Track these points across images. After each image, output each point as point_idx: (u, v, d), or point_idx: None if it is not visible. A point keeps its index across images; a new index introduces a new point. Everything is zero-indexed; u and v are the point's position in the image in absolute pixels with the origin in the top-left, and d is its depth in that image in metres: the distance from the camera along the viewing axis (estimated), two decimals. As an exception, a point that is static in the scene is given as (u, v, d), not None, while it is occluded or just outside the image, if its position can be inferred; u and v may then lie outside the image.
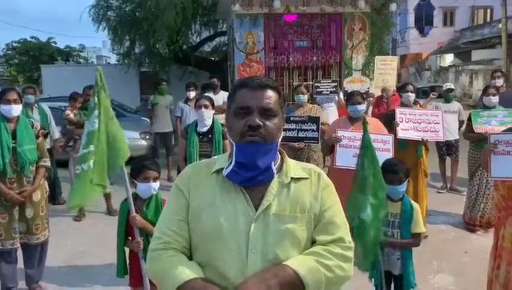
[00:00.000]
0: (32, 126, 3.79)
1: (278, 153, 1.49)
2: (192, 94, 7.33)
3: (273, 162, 1.43)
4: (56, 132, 6.80)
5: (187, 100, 7.41)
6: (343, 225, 1.47)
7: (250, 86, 1.43)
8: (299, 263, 1.34)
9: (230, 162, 1.42)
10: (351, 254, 1.43)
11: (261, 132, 1.38)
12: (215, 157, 1.58)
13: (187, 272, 1.34)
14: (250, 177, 1.39)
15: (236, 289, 1.28)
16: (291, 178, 1.45)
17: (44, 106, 6.79)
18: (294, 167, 1.49)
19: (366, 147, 2.93)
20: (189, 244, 1.44)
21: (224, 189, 1.42)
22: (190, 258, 1.44)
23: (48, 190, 4.01)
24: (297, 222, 1.40)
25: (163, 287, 1.38)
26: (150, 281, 2.71)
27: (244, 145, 1.39)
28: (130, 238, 2.87)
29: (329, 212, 1.45)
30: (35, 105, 6.53)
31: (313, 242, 1.43)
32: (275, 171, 1.43)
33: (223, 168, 1.45)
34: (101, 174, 2.66)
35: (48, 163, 3.88)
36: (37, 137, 3.78)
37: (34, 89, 6.57)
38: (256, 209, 1.39)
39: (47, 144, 6.42)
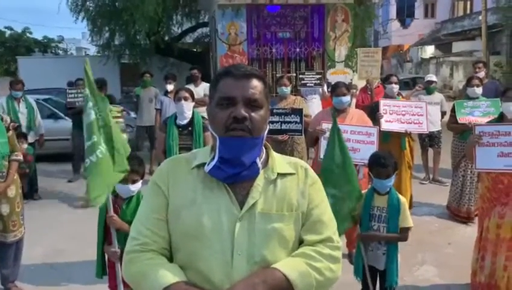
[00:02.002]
0: (2, 119, 3.62)
1: (263, 147, 1.40)
2: (170, 86, 7.19)
3: (258, 157, 1.34)
4: (41, 126, 6.67)
5: (166, 92, 7.25)
6: (331, 223, 1.40)
7: (234, 74, 1.32)
8: (289, 267, 1.26)
9: (213, 157, 1.32)
10: (339, 254, 1.36)
11: (247, 125, 1.28)
12: (195, 150, 1.48)
13: (168, 275, 1.24)
14: (235, 174, 1.30)
15: None
16: (278, 174, 1.36)
17: (31, 99, 6.68)
18: (280, 162, 1.40)
19: (333, 138, 2.95)
20: (169, 246, 1.34)
21: (206, 185, 1.32)
22: (170, 260, 1.33)
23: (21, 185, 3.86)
24: (284, 221, 1.31)
25: None
26: (126, 284, 2.61)
27: (229, 139, 1.29)
28: (107, 242, 2.76)
29: (317, 210, 1.37)
30: (22, 98, 6.40)
31: (301, 241, 1.36)
32: (260, 166, 1.33)
33: (204, 163, 1.35)
34: (118, 160, 2.59)
35: (21, 157, 3.72)
36: (8, 130, 3.62)
37: (23, 84, 6.44)
38: (241, 208, 1.29)
39: (31, 138, 6.30)
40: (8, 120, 3.74)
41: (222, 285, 1.22)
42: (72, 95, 7.29)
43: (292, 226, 1.33)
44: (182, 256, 1.31)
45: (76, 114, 7.31)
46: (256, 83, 1.33)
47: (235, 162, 1.29)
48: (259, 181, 1.33)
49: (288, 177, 1.37)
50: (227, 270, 1.25)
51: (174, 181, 1.36)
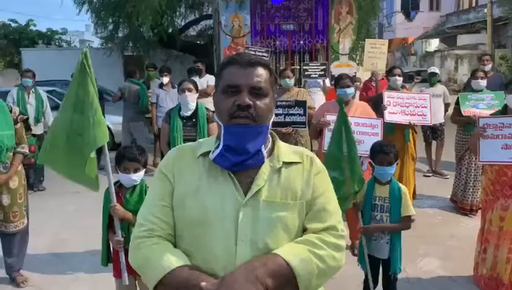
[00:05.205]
0: (11, 111, 3.64)
1: (269, 136, 1.40)
2: (166, 79, 7.16)
3: (263, 146, 1.34)
4: (51, 118, 6.70)
5: (161, 85, 7.24)
6: (336, 212, 1.39)
7: (239, 62, 1.32)
8: (291, 253, 1.26)
9: (218, 145, 1.33)
10: (343, 242, 1.36)
11: (251, 113, 1.28)
12: (201, 140, 1.49)
13: (173, 260, 1.25)
14: (239, 162, 1.30)
15: (223, 278, 1.19)
16: (283, 163, 1.36)
17: (41, 91, 6.71)
18: (285, 151, 1.40)
19: (340, 125, 2.98)
20: (174, 232, 1.35)
21: (211, 173, 1.33)
22: (175, 247, 1.34)
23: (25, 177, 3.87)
24: (288, 210, 1.31)
25: (148, 277, 1.28)
26: (130, 271, 2.64)
27: (233, 127, 1.29)
28: (112, 231, 2.77)
29: (321, 199, 1.37)
30: (32, 89, 6.43)
31: (304, 230, 1.36)
32: (265, 155, 1.34)
33: (209, 152, 1.35)
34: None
35: (26, 150, 3.73)
36: (16, 122, 3.63)
37: (33, 73, 6.48)
38: (246, 195, 1.30)
39: (39, 129, 6.34)
40: (17, 112, 3.75)
41: (225, 271, 1.23)
42: None
43: (296, 215, 1.33)
44: (186, 243, 1.32)
45: None
46: (261, 71, 1.33)
47: (240, 150, 1.29)
48: (265, 169, 1.33)
49: (294, 166, 1.37)
50: (230, 256, 1.25)
51: (180, 169, 1.37)
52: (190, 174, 1.35)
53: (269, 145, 1.39)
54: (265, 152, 1.34)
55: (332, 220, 1.36)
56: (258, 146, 1.32)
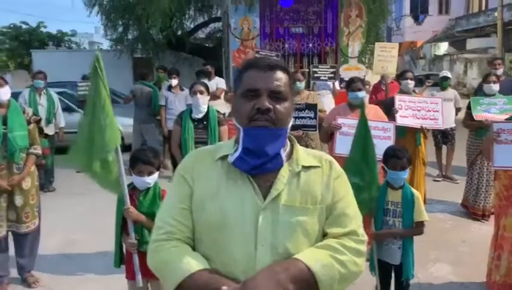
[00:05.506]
0: (24, 112, 3.67)
1: (288, 140, 1.39)
2: (174, 82, 7.18)
3: (282, 149, 1.34)
4: (62, 119, 6.77)
5: (170, 88, 7.27)
6: (356, 217, 1.38)
7: (258, 66, 1.32)
8: (312, 258, 1.25)
9: (237, 149, 1.33)
10: (364, 247, 1.35)
11: (271, 116, 1.28)
12: (219, 143, 1.49)
13: (193, 263, 1.25)
14: (258, 165, 1.29)
15: (244, 283, 1.18)
16: (302, 166, 1.35)
17: (53, 92, 6.77)
18: (304, 155, 1.39)
19: (360, 129, 2.98)
20: (193, 235, 1.34)
21: (230, 176, 1.33)
22: (193, 250, 1.34)
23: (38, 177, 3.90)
24: (308, 214, 1.31)
25: (167, 280, 1.28)
26: (145, 274, 2.64)
27: (252, 129, 1.29)
28: (126, 233, 2.78)
29: (341, 204, 1.36)
30: (44, 91, 6.50)
31: (324, 234, 1.35)
32: (284, 158, 1.33)
33: (227, 155, 1.35)
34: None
35: (39, 150, 3.76)
36: (29, 123, 3.66)
37: (45, 75, 6.55)
38: (265, 199, 1.29)
39: (50, 130, 6.41)
40: (30, 113, 3.78)
41: (245, 275, 1.22)
42: (82, 88, 7.36)
43: (316, 219, 1.32)
44: (205, 247, 1.32)
45: None
46: (280, 75, 1.33)
47: (259, 153, 1.29)
48: (284, 173, 1.32)
49: (313, 170, 1.37)
50: (251, 261, 1.25)
51: (199, 172, 1.37)
52: (209, 177, 1.35)
53: (288, 149, 1.39)
54: (284, 156, 1.34)
55: (352, 225, 1.35)
56: (277, 149, 1.32)
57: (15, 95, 6.39)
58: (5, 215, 3.60)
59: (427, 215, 2.99)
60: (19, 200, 3.62)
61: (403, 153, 2.97)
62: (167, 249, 1.30)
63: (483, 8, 26.04)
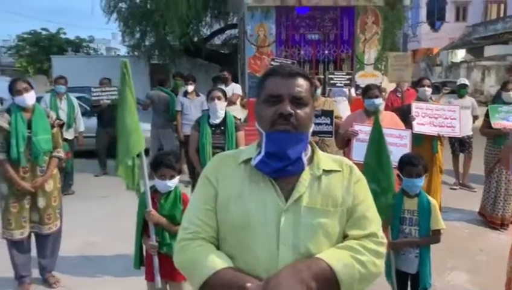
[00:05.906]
0: (48, 116, 3.78)
1: (309, 145, 1.44)
2: (190, 88, 7.23)
3: (303, 153, 1.38)
4: (81, 124, 6.93)
5: (186, 93, 7.35)
6: (376, 220, 1.42)
7: (280, 73, 1.38)
8: (334, 257, 1.29)
9: (259, 152, 1.38)
10: (383, 249, 1.38)
11: (292, 121, 1.33)
12: (241, 148, 1.54)
13: (218, 261, 1.30)
14: (280, 168, 1.34)
15: (268, 280, 1.22)
16: (323, 170, 1.40)
17: (73, 97, 6.93)
18: (325, 159, 1.44)
19: (374, 135, 2.97)
20: (217, 235, 1.40)
21: (253, 179, 1.37)
22: (218, 249, 1.39)
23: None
24: (329, 217, 1.35)
25: (193, 278, 1.33)
26: (164, 275, 2.69)
27: (275, 134, 1.34)
28: (146, 234, 2.84)
29: (361, 207, 1.40)
30: (64, 96, 6.66)
31: (345, 236, 1.39)
32: (305, 162, 1.38)
33: (250, 159, 1.40)
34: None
35: (62, 154, 3.86)
36: (52, 127, 3.77)
37: (66, 80, 6.71)
38: (287, 201, 1.34)
39: (70, 135, 6.56)
40: (54, 117, 3.89)
41: (267, 274, 1.26)
42: (96, 94, 7.50)
43: (337, 221, 1.36)
44: (229, 246, 1.37)
45: (101, 112, 7.61)
46: (302, 82, 1.37)
47: (281, 156, 1.33)
48: (305, 176, 1.37)
49: (333, 174, 1.41)
50: (273, 259, 1.29)
51: (223, 175, 1.42)
52: (233, 180, 1.40)
53: (309, 153, 1.43)
54: (305, 160, 1.38)
55: (372, 227, 1.39)
56: (299, 153, 1.36)
57: (36, 100, 6.60)
58: (28, 216, 3.70)
59: (444, 223, 2.97)
60: (41, 202, 3.72)
61: (418, 160, 2.97)
62: (193, 248, 1.35)
63: (502, 14, 25.79)
